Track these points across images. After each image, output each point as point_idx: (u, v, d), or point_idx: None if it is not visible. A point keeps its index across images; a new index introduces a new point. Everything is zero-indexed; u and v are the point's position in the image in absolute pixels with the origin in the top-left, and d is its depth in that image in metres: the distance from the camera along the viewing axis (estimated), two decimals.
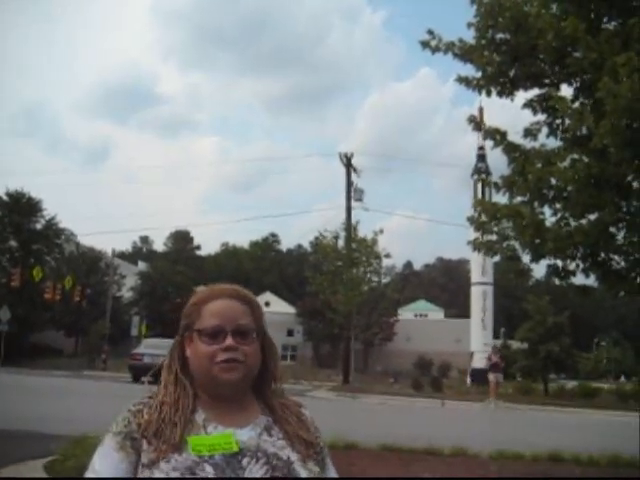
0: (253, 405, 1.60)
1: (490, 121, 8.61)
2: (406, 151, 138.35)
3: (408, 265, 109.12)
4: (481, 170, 41.84)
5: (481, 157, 42.81)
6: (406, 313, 71.21)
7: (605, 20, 8.02)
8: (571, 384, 36.40)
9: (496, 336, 50.67)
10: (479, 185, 41.21)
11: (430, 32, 8.45)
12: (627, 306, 76.95)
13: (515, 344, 43.65)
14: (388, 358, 54.00)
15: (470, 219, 8.70)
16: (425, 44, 8.43)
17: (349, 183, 34.34)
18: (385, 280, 66.03)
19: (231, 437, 1.48)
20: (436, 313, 76.85)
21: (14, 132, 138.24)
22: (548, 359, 32.52)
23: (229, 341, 1.51)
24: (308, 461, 1.53)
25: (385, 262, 35.11)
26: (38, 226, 42.03)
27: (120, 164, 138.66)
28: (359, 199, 34.28)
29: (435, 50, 8.42)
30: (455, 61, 8.53)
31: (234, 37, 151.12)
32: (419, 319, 69.93)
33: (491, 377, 24.14)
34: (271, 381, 1.65)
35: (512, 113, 12.13)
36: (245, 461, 1.46)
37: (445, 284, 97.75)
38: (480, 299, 43.96)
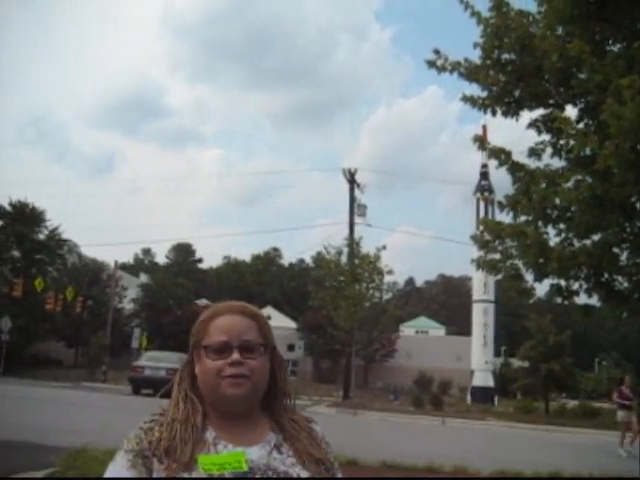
0: (263, 422, 1.60)
1: (494, 140, 8.69)
2: (410, 168, 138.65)
3: (410, 282, 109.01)
4: (484, 188, 41.93)
5: (484, 175, 42.90)
6: (407, 330, 71.00)
7: (609, 43, 8.09)
8: (572, 404, 36.26)
9: (497, 354, 50.54)
10: (482, 203, 41.31)
11: (436, 51, 8.53)
12: (629, 326, 76.70)
13: (516, 362, 43.53)
14: (388, 374, 53.77)
15: (474, 237, 8.73)
16: (431, 63, 8.50)
17: (352, 199, 34.41)
18: (387, 296, 66.05)
19: (241, 456, 1.48)
20: (437, 330, 76.60)
21: (20, 142, 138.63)
22: (549, 378, 32.40)
23: (235, 356, 1.52)
24: (319, 479, 1.54)
25: (387, 278, 35.06)
26: (41, 236, 41.99)
27: (125, 175, 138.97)
28: (362, 215, 34.36)
29: (441, 70, 8.50)
30: (459, 80, 8.61)
31: (242, 51, 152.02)
32: (420, 336, 69.65)
33: (624, 416, 17.44)
34: (280, 397, 1.65)
35: (516, 132, 12.21)
36: None
37: (446, 301, 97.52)
38: (482, 316, 43.85)
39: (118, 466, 1.47)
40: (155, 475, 1.45)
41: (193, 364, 1.61)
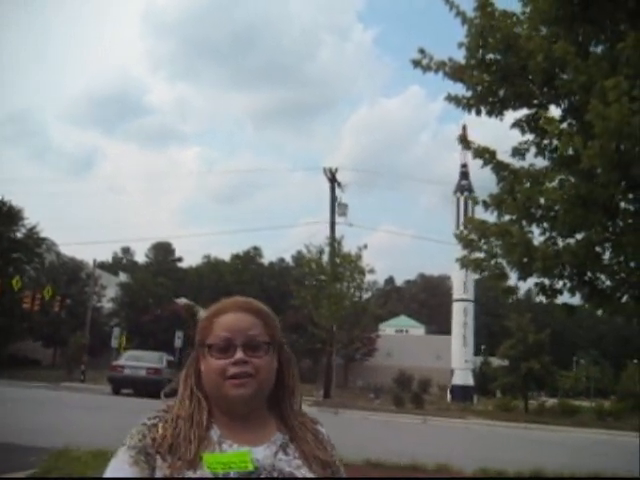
0: (269, 422, 1.57)
1: (475, 140, 8.71)
2: (391, 167, 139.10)
3: (390, 281, 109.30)
4: (464, 187, 42.19)
5: (464, 174, 43.18)
6: (387, 329, 71.25)
7: (593, 44, 8.16)
8: (551, 402, 36.65)
9: (476, 353, 50.90)
10: (462, 202, 41.57)
11: (421, 51, 8.53)
12: (606, 325, 77.70)
13: (495, 361, 43.89)
14: (368, 373, 53.94)
15: (458, 236, 8.76)
16: (416, 63, 8.50)
17: (333, 198, 34.45)
18: (367, 295, 66.14)
19: (247, 455, 1.45)
20: (417, 329, 77.01)
21: (0, 139, 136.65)
22: (529, 376, 32.73)
23: (239, 354, 1.49)
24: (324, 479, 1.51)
25: (367, 277, 35.11)
26: (18, 235, 41.54)
27: (105, 174, 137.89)
28: (343, 214, 34.41)
29: (426, 69, 8.50)
30: (444, 80, 8.63)
31: (224, 51, 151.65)
32: (400, 335, 69.99)
33: None
34: (288, 396, 1.62)
35: (497, 132, 12.26)
36: None
37: (426, 300, 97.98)
38: (461, 316, 44.12)
39: (120, 462, 1.43)
40: (158, 472, 1.41)
41: (199, 362, 1.58)
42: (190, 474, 1.40)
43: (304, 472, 1.49)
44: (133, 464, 1.42)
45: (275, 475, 1.45)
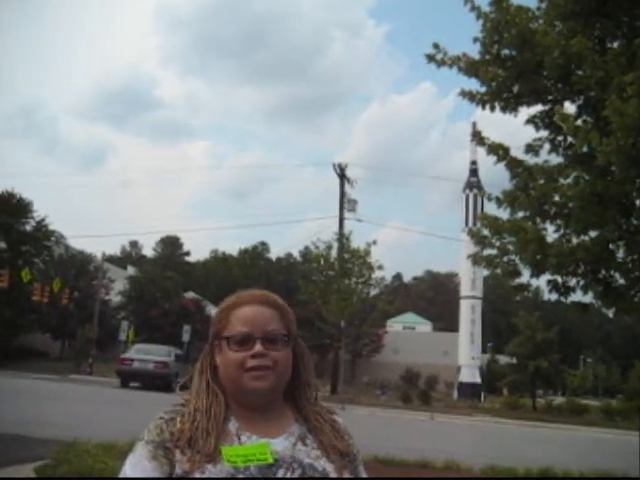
0: (286, 414, 1.57)
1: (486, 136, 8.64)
2: (400, 164, 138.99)
3: (397, 277, 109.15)
4: (473, 185, 42.08)
5: (473, 172, 43.04)
6: (394, 325, 71.16)
7: (609, 40, 8.08)
8: (559, 400, 36.54)
9: (483, 350, 50.81)
10: (471, 199, 41.48)
11: (436, 46, 8.47)
12: (614, 324, 77.46)
13: (503, 359, 43.81)
14: (375, 370, 53.86)
15: (471, 233, 8.72)
16: (431, 58, 8.45)
17: (342, 193, 34.42)
18: (374, 292, 66.10)
19: (266, 447, 1.45)
20: (424, 326, 76.84)
21: (10, 133, 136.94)
22: (537, 374, 32.64)
23: (258, 347, 1.48)
24: (343, 471, 1.50)
25: (376, 273, 35.05)
26: (28, 227, 41.62)
27: (114, 168, 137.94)
28: (352, 210, 34.40)
29: (440, 64, 8.44)
30: (454, 76, 8.65)
31: (235, 46, 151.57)
32: (407, 331, 69.85)
33: None
34: (304, 388, 1.62)
35: (507, 129, 12.19)
36: (280, 473, 1.42)
37: (433, 297, 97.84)
38: (469, 313, 44.03)
39: (138, 457, 1.43)
40: (178, 467, 1.41)
41: (214, 354, 1.57)
42: (210, 468, 1.39)
43: (323, 462, 1.49)
44: (152, 459, 1.42)
45: (295, 467, 1.45)
